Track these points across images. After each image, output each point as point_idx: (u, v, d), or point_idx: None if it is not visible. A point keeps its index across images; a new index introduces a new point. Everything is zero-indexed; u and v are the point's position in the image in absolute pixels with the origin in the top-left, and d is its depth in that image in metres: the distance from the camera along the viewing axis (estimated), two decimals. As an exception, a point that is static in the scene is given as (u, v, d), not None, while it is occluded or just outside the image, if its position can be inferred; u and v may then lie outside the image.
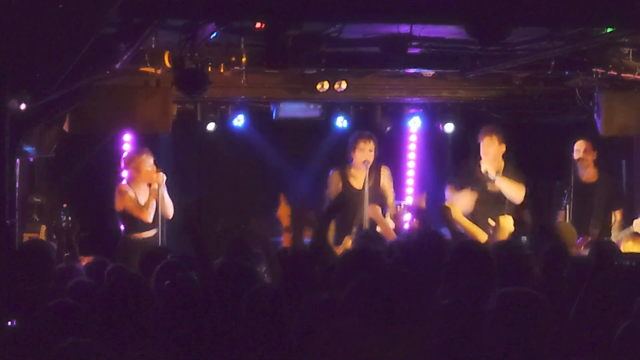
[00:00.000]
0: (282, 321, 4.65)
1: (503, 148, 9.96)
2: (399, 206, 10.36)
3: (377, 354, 3.81)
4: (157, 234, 9.80)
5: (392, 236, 9.03)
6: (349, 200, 8.92)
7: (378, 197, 10.06)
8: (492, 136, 9.92)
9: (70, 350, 4.12)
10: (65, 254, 7.42)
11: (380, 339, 3.88)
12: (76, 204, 9.88)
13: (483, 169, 9.85)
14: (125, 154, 10.06)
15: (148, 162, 9.83)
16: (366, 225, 9.60)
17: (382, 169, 10.23)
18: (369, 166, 9.90)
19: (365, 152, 9.97)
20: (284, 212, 8.19)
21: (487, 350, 4.22)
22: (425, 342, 4.32)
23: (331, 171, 10.32)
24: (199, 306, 5.19)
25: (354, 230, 9.48)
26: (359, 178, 10.06)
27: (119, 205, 9.89)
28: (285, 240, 8.83)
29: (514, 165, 10.00)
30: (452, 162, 11.76)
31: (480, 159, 9.95)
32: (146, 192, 9.88)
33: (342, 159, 10.37)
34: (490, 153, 9.88)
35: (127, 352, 4.39)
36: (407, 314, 4.38)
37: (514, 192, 9.79)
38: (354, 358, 3.75)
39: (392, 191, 10.33)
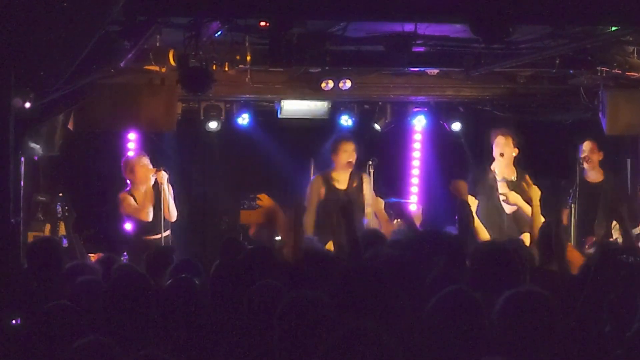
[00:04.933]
0: (287, 318, 4.63)
1: (516, 151, 9.86)
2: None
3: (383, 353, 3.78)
4: (167, 236, 9.79)
5: (388, 230, 8.92)
6: (332, 203, 9.17)
7: (360, 201, 10.04)
8: (508, 137, 9.83)
9: (88, 348, 4.12)
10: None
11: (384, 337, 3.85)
12: (81, 202, 9.91)
13: (493, 168, 9.75)
14: (123, 162, 10.03)
15: (143, 162, 9.82)
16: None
17: (363, 177, 10.17)
18: (351, 167, 9.96)
19: (348, 153, 9.98)
20: (268, 202, 7.95)
21: (493, 349, 4.20)
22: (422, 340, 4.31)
23: (313, 176, 10.32)
24: (200, 307, 5.21)
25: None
26: (341, 181, 10.07)
27: (122, 211, 9.93)
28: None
29: (525, 178, 9.42)
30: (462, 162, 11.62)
31: (493, 159, 9.88)
32: (149, 193, 9.84)
33: (323, 164, 10.39)
34: (506, 155, 9.77)
35: (131, 349, 4.39)
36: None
37: (522, 207, 9.30)
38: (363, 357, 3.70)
39: (373, 195, 10.13)
